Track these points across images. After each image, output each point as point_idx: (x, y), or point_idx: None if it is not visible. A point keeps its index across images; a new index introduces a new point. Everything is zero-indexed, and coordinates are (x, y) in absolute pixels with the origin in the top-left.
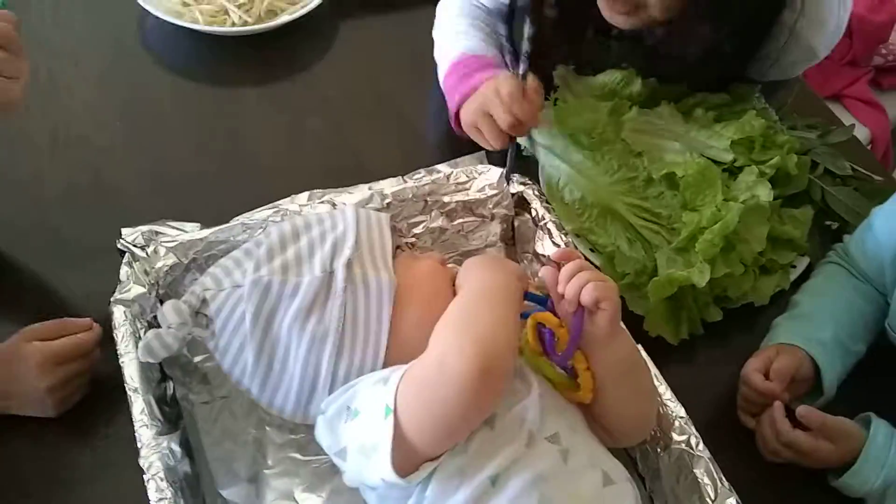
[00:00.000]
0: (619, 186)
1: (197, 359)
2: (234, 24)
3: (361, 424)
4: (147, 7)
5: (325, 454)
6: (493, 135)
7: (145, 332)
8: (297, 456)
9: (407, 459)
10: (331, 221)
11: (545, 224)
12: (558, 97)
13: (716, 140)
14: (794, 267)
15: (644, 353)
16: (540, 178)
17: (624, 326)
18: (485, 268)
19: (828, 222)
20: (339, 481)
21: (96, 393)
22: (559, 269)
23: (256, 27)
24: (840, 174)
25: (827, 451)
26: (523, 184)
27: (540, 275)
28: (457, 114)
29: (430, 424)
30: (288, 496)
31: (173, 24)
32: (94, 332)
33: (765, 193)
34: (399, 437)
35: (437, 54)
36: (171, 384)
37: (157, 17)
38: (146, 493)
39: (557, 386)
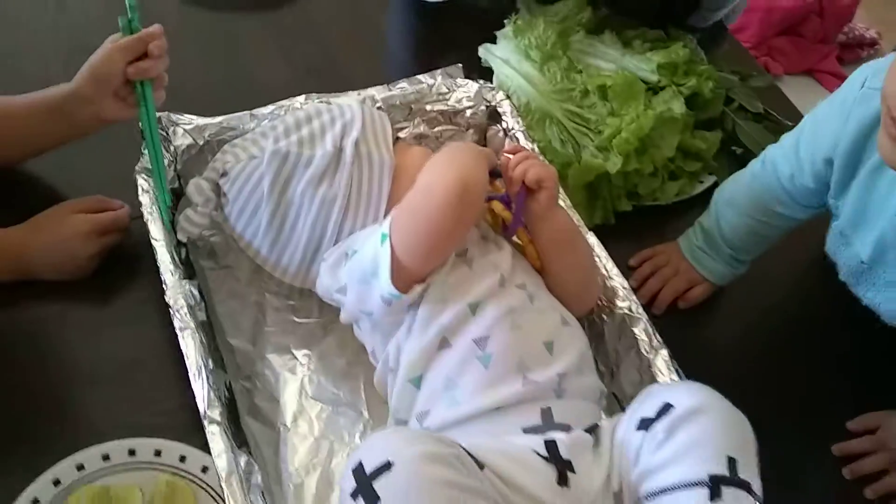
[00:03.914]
0: (559, 95)
1: (205, 233)
2: None
3: (361, 257)
4: None
5: (316, 318)
6: None
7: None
8: (293, 318)
9: (401, 278)
10: (339, 110)
11: (514, 133)
12: (518, 18)
13: (645, 63)
14: (702, 182)
15: (592, 236)
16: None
17: (562, 204)
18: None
19: (734, 147)
20: (328, 340)
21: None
22: None
23: None
24: (752, 111)
25: None
26: (498, 97)
27: (501, 159)
28: None
29: (421, 237)
30: (285, 349)
31: None
32: (127, 209)
33: (678, 107)
34: (395, 258)
35: None
36: (184, 249)
37: None
38: (171, 331)
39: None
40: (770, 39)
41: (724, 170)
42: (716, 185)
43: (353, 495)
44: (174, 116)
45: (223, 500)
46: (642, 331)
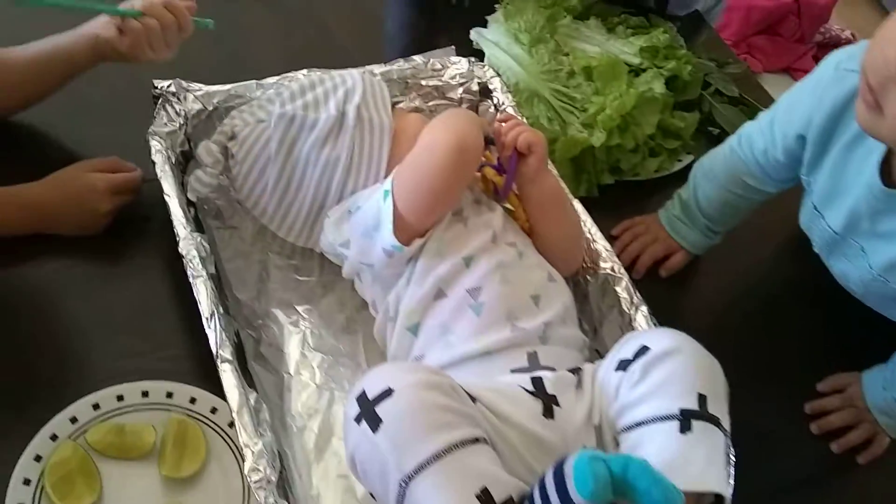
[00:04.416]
0: (547, 76)
1: (211, 195)
2: None
3: (364, 212)
4: None
5: (317, 276)
6: None
7: (176, 161)
8: (295, 276)
9: (402, 231)
10: (341, 78)
11: (504, 108)
12: (508, 3)
13: (628, 47)
14: (681, 161)
15: (577, 203)
16: None
17: (551, 167)
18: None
19: (711, 128)
20: (328, 298)
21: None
22: None
23: None
24: (728, 95)
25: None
26: (488, 73)
27: (493, 128)
28: None
29: (422, 193)
30: (288, 305)
31: None
32: (140, 171)
33: (658, 87)
34: (397, 212)
35: None
36: (192, 209)
37: None
38: (180, 284)
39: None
40: (750, 38)
41: (701, 149)
42: (693, 163)
43: (357, 419)
44: (185, 83)
45: (230, 439)
46: (624, 289)
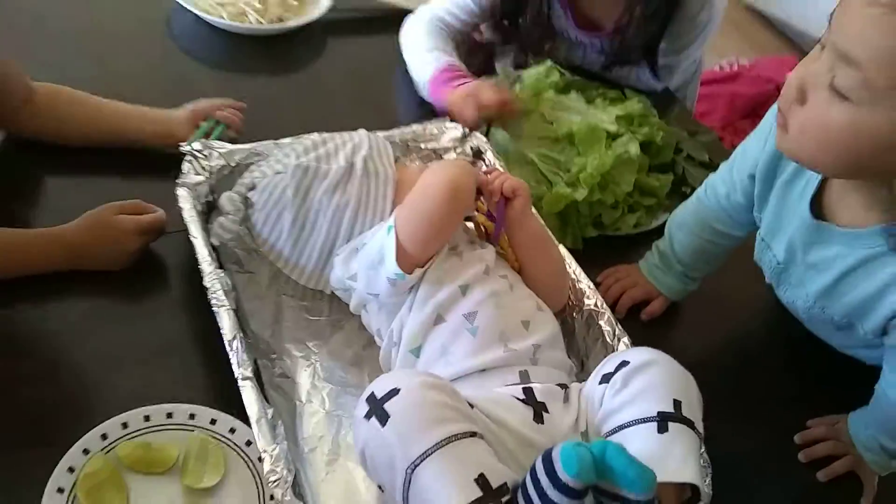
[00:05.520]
0: (534, 142)
1: (231, 242)
2: (251, 24)
3: (370, 248)
4: (184, 4)
5: (326, 316)
6: (471, 113)
7: (201, 211)
8: (307, 316)
9: (404, 261)
10: (349, 136)
11: (495, 168)
12: (497, 81)
13: (606, 116)
14: (657, 219)
15: (562, 248)
16: None
17: (535, 212)
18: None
19: (684, 189)
20: (337, 336)
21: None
22: None
23: (269, 27)
24: (699, 160)
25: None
26: (481, 139)
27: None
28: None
29: (421, 226)
30: (300, 341)
31: (198, 18)
32: (163, 213)
33: (634, 149)
34: (399, 244)
35: (415, 67)
36: (215, 253)
37: (188, 12)
38: (202, 320)
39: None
40: (735, 122)
41: (675, 207)
42: None
43: (367, 416)
44: (210, 143)
45: (247, 456)
46: (606, 322)
